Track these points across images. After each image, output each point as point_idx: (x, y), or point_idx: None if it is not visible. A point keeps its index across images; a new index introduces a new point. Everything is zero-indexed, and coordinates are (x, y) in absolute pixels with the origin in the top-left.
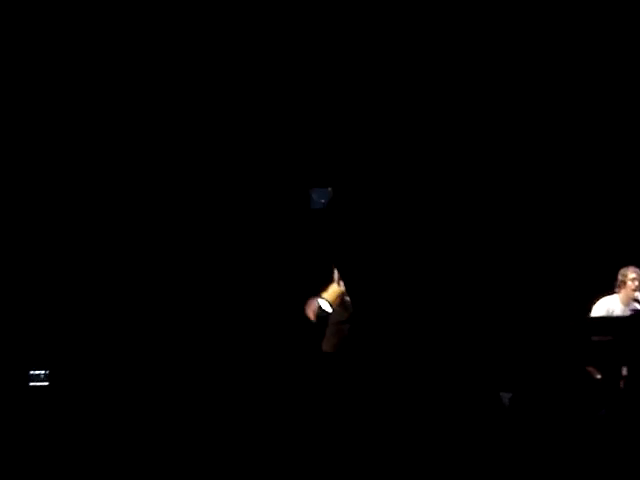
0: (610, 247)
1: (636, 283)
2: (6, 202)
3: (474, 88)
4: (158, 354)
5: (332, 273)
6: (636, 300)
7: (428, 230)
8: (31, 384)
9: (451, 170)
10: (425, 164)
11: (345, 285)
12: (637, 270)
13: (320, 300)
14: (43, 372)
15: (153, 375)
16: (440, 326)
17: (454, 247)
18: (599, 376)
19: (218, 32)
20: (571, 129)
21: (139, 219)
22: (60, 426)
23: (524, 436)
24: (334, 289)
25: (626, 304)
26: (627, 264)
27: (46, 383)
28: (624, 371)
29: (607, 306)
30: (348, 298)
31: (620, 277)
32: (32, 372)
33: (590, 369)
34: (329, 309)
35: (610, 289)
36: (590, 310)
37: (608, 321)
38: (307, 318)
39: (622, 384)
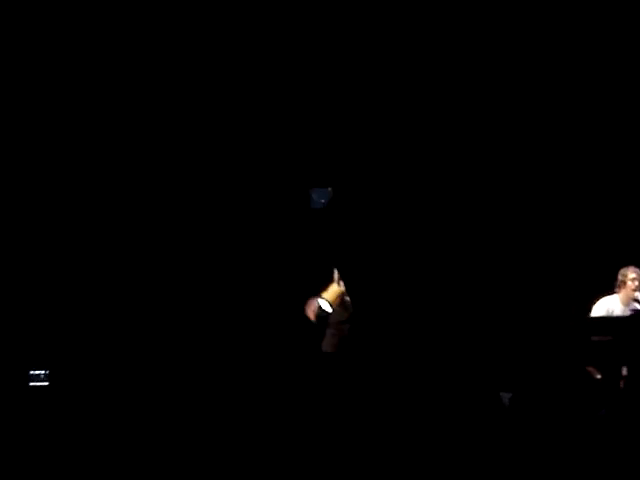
0: (610, 247)
1: (636, 283)
2: (6, 202)
3: (474, 88)
4: (158, 354)
5: (332, 273)
6: (636, 300)
7: (428, 230)
8: (31, 384)
9: (451, 170)
10: (425, 164)
11: (345, 285)
12: (637, 270)
13: (320, 300)
14: (43, 372)
15: (153, 375)
16: (440, 326)
17: (454, 247)
18: (599, 376)
19: (218, 32)
20: (571, 129)
21: (139, 219)
22: (60, 426)
23: (524, 436)
24: (334, 289)
25: (626, 304)
26: (627, 264)
27: (46, 383)
28: (624, 371)
29: (607, 306)
30: (348, 298)
31: (620, 277)
32: (32, 372)
33: (590, 369)
34: (329, 309)
35: (610, 289)
36: (590, 310)
37: (608, 321)
38: (307, 318)
39: (622, 384)
